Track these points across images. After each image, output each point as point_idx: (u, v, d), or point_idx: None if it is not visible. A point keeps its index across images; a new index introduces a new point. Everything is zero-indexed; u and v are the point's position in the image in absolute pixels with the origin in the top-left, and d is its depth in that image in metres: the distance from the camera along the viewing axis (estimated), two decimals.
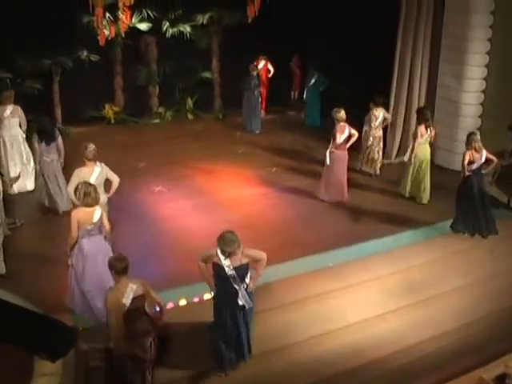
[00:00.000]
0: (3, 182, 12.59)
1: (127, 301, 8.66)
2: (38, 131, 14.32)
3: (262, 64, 21.42)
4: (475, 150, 13.32)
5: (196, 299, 11.29)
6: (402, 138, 17.77)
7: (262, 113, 21.56)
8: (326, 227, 13.87)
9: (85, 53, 20.13)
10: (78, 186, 10.39)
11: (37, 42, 18.73)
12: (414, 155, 15.08)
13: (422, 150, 15.12)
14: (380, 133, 16.91)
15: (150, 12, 20.62)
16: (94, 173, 11.57)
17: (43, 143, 14.10)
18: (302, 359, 10.20)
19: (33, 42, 18.69)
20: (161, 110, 21.75)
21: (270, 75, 21.81)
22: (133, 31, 20.25)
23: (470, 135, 13.57)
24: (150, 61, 21.45)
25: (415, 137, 15.11)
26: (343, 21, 19.01)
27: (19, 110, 15.23)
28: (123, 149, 18.33)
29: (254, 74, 20.70)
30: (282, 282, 11.82)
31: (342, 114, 15.02)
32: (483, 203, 13.66)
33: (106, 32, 18.90)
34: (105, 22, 18.99)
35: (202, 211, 14.62)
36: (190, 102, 21.95)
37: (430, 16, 16.87)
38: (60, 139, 14.36)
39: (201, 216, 14.35)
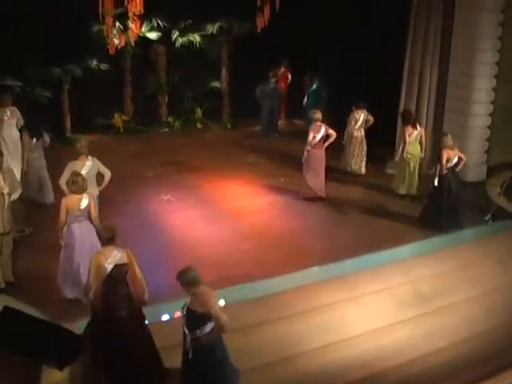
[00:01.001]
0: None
1: (109, 266, 9.29)
2: (28, 128, 14.81)
3: (281, 71, 21.58)
4: (450, 148, 14.01)
5: None
6: None
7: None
8: (334, 237, 13.81)
9: (94, 62, 20.20)
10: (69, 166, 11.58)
11: (47, 50, 18.79)
12: (405, 154, 15.62)
13: (413, 148, 15.63)
14: (361, 134, 17.51)
15: (159, 21, 20.70)
16: (86, 166, 12.24)
17: (33, 140, 14.67)
18: (308, 370, 10.18)
19: (43, 51, 18.74)
20: (170, 119, 21.77)
21: (288, 83, 21.93)
22: (142, 40, 20.32)
23: (444, 136, 14.32)
24: (160, 70, 21.49)
25: (403, 137, 15.77)
26: (352, 30, 19.00)
27: (17, 111, 15.37)
28: (132, 158, 18.35)
29: (273, 81, 20.93)
30: (289, 292, 11.77)
31: (319, 115, 15.69)
32: (451, 200, 14.24)
33: (116, 41, 18.93)
34: (115, 31, 19.02)
35: (210, 221, 14.60)
36: (199, 112, 21.97)
37: (439, 27, 16.87)
38: (46, 135, 15.02)
39: (208, 226, 14.33)
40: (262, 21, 16.75)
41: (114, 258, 9.40)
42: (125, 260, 9.49)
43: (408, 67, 17.32)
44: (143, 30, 20.16)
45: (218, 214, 14.94)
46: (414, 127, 15.66)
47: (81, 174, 11.29)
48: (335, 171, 17.27)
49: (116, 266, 9.40)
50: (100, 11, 16.89)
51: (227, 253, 12.97)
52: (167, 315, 10.96)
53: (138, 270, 9.63)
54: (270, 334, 10.69)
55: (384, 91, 17.83)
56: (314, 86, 21.14)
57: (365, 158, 17.63)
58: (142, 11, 17.30)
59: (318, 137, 15.52)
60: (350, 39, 19.21)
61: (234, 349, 10.35)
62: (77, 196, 10.97)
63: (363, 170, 17.66)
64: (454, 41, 16.85)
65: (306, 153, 15.67)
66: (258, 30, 17.01)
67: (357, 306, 11.60)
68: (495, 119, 17.15)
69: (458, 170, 14.40)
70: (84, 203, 10.98)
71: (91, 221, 11.14)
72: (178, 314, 10.75)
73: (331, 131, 15.56)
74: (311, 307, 11.42)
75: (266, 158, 18.72)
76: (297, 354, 10.48)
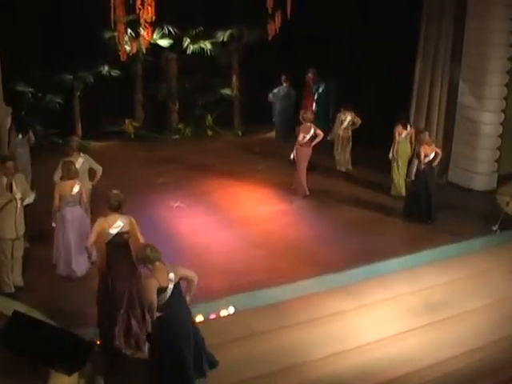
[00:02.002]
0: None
1: (112, 232, 10.05)
2: (15, 125, 15.18)
3: (308, 77, 21.67)
4: (427, 144, 14.96)
5: (213, 316, 11.24)
6: None
7: None
8: (344, 245, 13.77)
9: (106, 68, 20.26)
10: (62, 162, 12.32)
11: (58, 56, 18.86)
12: (394, 153, 16.48)
13: (402, 147, 16.41)
14: (348, 134, 18.39)
15: (171, 28, 20.74)
16: (78, 162, 12.88)
17: (19, 135, 15.16)
18: (316, 379, 10.19)
19: (54, 57, 18.82)
20: (180, 126, 21.79)
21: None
22: (154, 47, 20.35)
23: (422, 133, 15.46)
24: (171, 77, 21.52)
25: (394, 136, 16.46)
26: (363, 38, 19.01)
27: (10, 110, 15.45)
28: (142, 164, 18.38)
29: (285, 85, 21.11)
30: (298, 300, 11.77)
31: (310, 115, 16.74)
32: (428, 192, 14.99)
33: (128, 48, 18.94)
34: (126, 38, 19.05)
35: (220, 228, 14.60)
36: (209, 119, 21.98)
37: (450, 35, 16.84)
38: (31, 133, 15.63)
39: (218, 232, 14.33)
40: (272, 28, 16.71)
41: (117, 225, 10.08)
42: (127, 228, 10.17)
43: (419, 75, 17.29)
44: (155, 37, 20.19)
45: (228, 221, 14.94)
46: (404, 127, 16.38)
47: (73, 162, 12.29)
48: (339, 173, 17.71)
49: (118, 234, 10.10)
50: (112, 18, 16.96)
51: (237, 260, 12.97)
52: None
53: (139, 237, 10.26)
54: (278, 341, 10.68)
55: (394, 99, 17.81)
56: (320, 90, 21.16)
57: (349, 157, 18.49)
58: (154, 18, 17.34)
59: (308, 136, 16.34)
60: (361, 46, 19.21)
61: (242, 356, 10.40)
62: (69, 182, 11.94)
63: (350, 168, 18.51)
64: (464, 49, 16.81)
65: (294, 150, 16.49)
66: (269, 38, 17.01)
67: (365, 314, 11.58)
68: (506, 128, 17.09)
69: (434, 164, 15.15)
70: (76, 189, 11.96)
71: (81, 204, 12.14)
72: None
73: (319, 131, 16.44)
74: (320, 315, 11.41)
75: (276, 164, 18.67)
76: (305, 362, 10.47)
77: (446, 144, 17.39)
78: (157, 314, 9.00)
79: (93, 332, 10.27)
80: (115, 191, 10.42)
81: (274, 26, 16.62)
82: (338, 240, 14.04)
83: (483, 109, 16.80)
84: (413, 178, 15.38)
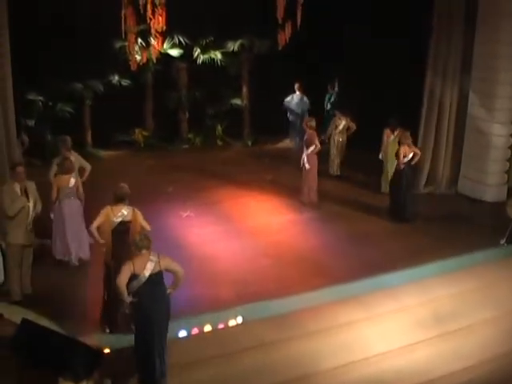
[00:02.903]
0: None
1: (116, 220, 10.83)
2: None
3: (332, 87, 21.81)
4: (407, 145, 15.61)
5: (221, 325, 11.23)
6: (430, 168, 17.64)
7: None
8: (353, 256, 13.74)
9: (116, 77, 20.36)
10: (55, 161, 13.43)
11: (69, 65, 18.95)
12: (381, 154, 17.32)
13: (391, 148, 16.86)
14: (343, 139, 18.96)
15: (181, 38, 20.86)
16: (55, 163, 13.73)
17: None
18: None
19: (65, 66, 18.89)
20: (190, 135, 21.85)
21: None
22: (164, 57, 20.43)
23: (402, 134, 16.11)
24: (181, 87, 21.59)
25: (383, 139, 17.40)
26: (374, 48, 19.07)
27: None
28: (152, 173, 18.43)
29: (298, 93, 21.32)
30: (307, 311, 11.72)
31: (314, 123, 16.83)
32: (409, 191, 15.76)
33: (138, 57, 19.05)
34: (137, 48, 19.16)
35: (229, 237, 14.60)
36: (219, 129, 22.03)
37: (459, 46, 16.84)
38: (24, 136, 16.12)
39: (228, 243, 14.33)
40: (283, 38, 16.77)
41: (121, 214, 10.88)
42: (130, 217, 10.93)
43: (429, 86, 17.26)
44: (165, 46, 20.26)
45: (237, 231, 14.94)
46: (392, 131, 17.14)
47: (68, 158, 13.26)
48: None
49: (122, 222, 10.87)
50: (123, 28, 17.04)
51: (245, 270, 12.97)
52: (184, 331, 10.94)
53: (144, 225, 11.01)
54: (287, 352, 10.66)
55: (404, 110, 17.83)
56: (333, 99, 21.21)
57: (339, 161, 18.94)
58: (164, 28, 17.43)
59: (318, 143, 16.54)
60: (371, 57, 19.29)
61: (251, 366, 10.39)
62: (65, 176, 12.97)
63: (338, 172, 18.94)
64: (474, 60, 16.80)
65: (305, 158, 16.50)
66: (279, 48, 17.05)
67: (374, 325, 11.54)
68: None
69: (413, 163, 15.85)
70: (72, 182, 12.99)
71: (77, 196, 13.16)
72: (195, 331, 10.80)
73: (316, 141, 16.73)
74: (328, 326, 11.38)
75: (286, 175, 18.68)
76: (314, 372, 10.45)
77: (456, 155, 17.39)
78: (129, 299, 9.54)
79: (100, 339, 10.29)
80: (121, 184, 11.22)
81: (284, 36, 16.67)
82: (347, 250, 14.01)
83: (493, 120, 16.78)
84: (393, 177, 16.00)
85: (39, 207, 11.84)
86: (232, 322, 11.27)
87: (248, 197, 17.05)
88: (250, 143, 22.15)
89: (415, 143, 16.78)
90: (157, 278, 9.58)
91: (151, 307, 9.49)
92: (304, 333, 11.17)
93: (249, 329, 11.18)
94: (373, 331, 11.38)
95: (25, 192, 11.38)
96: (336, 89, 21.51)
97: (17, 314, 10.65)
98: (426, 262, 13.51)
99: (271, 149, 21.50)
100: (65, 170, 13.10)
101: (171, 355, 10.09)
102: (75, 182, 13.11)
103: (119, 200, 11.02)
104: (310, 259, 13.57)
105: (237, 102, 22.14)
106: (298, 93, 21.43)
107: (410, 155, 15.57)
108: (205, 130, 22.00)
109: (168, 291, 9.82)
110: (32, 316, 10.60)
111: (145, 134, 21.22)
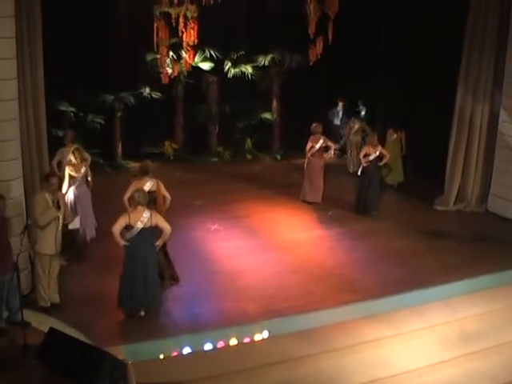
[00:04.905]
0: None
1: (146, 188, 12.37)
2: None
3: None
4: (372, 145, 16.90)
5: (247, 339, 11.21)
6: (460, 185, 17.52)
7: None
8: (381, 272, 13.65)
9: (147, 90, 20.44)
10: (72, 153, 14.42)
11: (101, 77, 19.11)
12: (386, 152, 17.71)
13: (392, 147, 18.41)
14: (357, 139, 20.29)
15: (212, 52, 20.90)
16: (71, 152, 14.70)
17: None
18: None
19: (97, 78, 19.05)
20: (220, 149, 21.88)
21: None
22: (195, 70, 20.53)
23: (368, 135, 17.97)
24: (211, 100, 21.64)
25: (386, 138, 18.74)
26: (405, 64, 19.08)
27: None
28: (181, 186, 18.40)
29: (341, 104, 21.52)
30: (334, 327, 11.69)
31: (319, 128, 17.52)
32: (372, 187, 16.97)
33: (169, 70, 19.18)
34: (168, 61, 19.29)
35: (257, 252, 14.59)
36: (248, 143, 22.05)
37: (491, 63, 16.74)
38: None
39: (255, 257, 14.32)
40: (314, 53, 16.81)
41: (148, 185, 12.60)
42: (155, 188, 12.69)
43: (459, 103, 17.15)
44: (196, 60, 20.37)
45: (265, 246, 14.93)
46: (395, 132, 18.70)
47: (78, 149, 14.51)
48: None
49: (148, 192, 12.20)
50: (155, 41, 17.17)
51: (272, 285, 12.94)
52: (210, 344, 10.94)
53: (166, 194, 12.78)
54: (314, 368, 10.61)
55: (435, 126, 17.82)
56: (362, 114, 21.20)
57: (356, 160, 19.76)
58: (196, 41, 17.55)
59: (317, 146, 17.37)
60: (401, 72, 19.32)
61: (277, 381, 10.35)
62: (77, 165, 14.19)
63: (356, 168, 18.95)
64: (506, 77, 16.69)
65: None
66: (311, 63, 17.08)
67: (401, 343, 11.47)
68: None
69: (381, 164, 17.22)
70: (82, 170, 14.26)
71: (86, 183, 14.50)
72: (221, 344, 10.78)
73: (330, 143, 17.67)
74: (355, 342, 11.33)
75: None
76: None
77: (486, 173, 17.26)
78: (123, 243, 11.35)
79: (126, 350, 10.31)
80: (145, 161, 13.40)
81: (315, 52, 16.71)
82: (375, 267, 13.94)
83: None
84: (359, 174, 17.23)
85: (77, 223, 12.16)
86: (258, 337, 11.25)
87: (276, 211, 17.04)
88: (279, 157, 22.14)
89: (445, 158, 16.79)
90: (147, 231, 11.31)
91: (138, 253, 11.33)
92: (330, 349, 11.13)
93: (275, 343, 11.15)
94: (400, 349, 11.31)
95: (57, 203, 11.46)
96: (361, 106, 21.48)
97: (44, 323, 10.73)
98: (454, 280, 13.42)
99: (300, 163, 21.44)
100: (76, 159, 14.31)
101: (196, 368, 10.13)
102: (85, 170, 14.38)
103: (144, 173, 12.90)
104: (338, 275, 13.50)
105: (267, 116, 22.14)
106: (340, 105, 21.49)
107: (373, 156, 16.84)
108: (234, 144, 22.03)
109: (156, 244, 11.57)
110: (59, 325, 10.66)
111: (174, 146, 21.29)
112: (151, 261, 11.51)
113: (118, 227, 11.24)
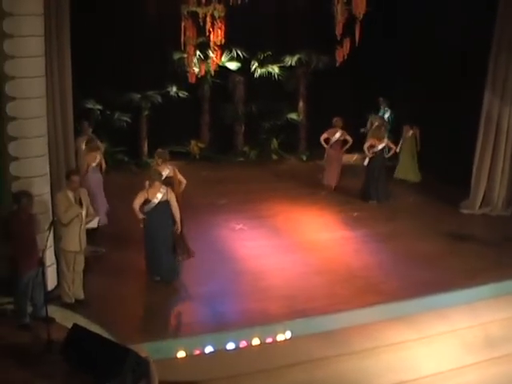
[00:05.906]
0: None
1: (164, 174, 13.25)
2: None
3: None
4: (377, 138, 17.93)
5: (269, 339, 11.20)
6: (486, 189, 17.36)
7: None
8: (406, 275, 13.54)
9: (174, 89, 20.53)
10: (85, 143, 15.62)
11: (128, 76, 19.20)
12: (400, 146, 19.22)
13: (408, 142, 19.37)
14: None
15: (239, 52, 20.94)
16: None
17: None
18: None
19: (124, 76, 19.15)
20: (245, 148, 21.91)
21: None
22: (222, 70, 20.56)
23: (377, 129, 18.74)
24: (238, 100, 21.67)
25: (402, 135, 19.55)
26: (430, 67, 19.01)
27: None
28: (206, 185, 18.50)
29: (384, 105, 21.30)
30: (356, 329, 11.64)
31: (339, 122, 18.41)
32: (380, 177, 17.99)
33: (196, 69, 19.20)
34: (195, 60, 19.32)
35: (282, 252, 14.57)
36: (274, 143, 22.05)
37: None
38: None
39: (279, 257, 14.31)
40: (341, 54, 16.74)
41: (165, 171, 13.43)
42: (172, 174, 13.56)
43: (487, 106, 17.02)
44: (223, 59, 20.40)
45: (289, 246, 14.91)
46: (411, 128, 19.38)
47: (94, 139, 15.80)
48: None
49: (166, 177, 13.24)
50: (182, 40, 17.20)
51: (296, 285, 12.91)
52: (233, 344, 10.95)
53: (182, 179, 13.72)
54: (336, 369, 10.58)
55: (458, 127, 17.77)
56: (387, 115, 21.08)
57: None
58: (223, 41, 17.56)
59: (333, 139, 18.47)
60: (427, 76, 19.27)
61: (298, 382, 10.33)
62: (93, 153, 15.19)
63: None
64: None
65: (326, 151, 18.78)
66: (337, 64, 17.03)
67: (424, 346, 11.40)
68: None
69: (387, 156, 18.52)
70: (97, 159, 15.28)
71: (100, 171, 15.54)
72: (243, 343, 10.80)
73: (348, 137, 18.52)
74: (379, 345, 11.27)
75: (339, 191, 18.64)
76: None
77: None
78: (142, 216, 12.54)
79: (149, 348, 10.33)
80: (160, 149, 14.39)
81: (342, 53, 16.64)
82: (400, 270, 13.85)
83: None
84: (366, 164, 18.14)
85: (95, 222, 12.55)
86: (280, 337, 11.23)
87: (301, 211, 17.02)
88: (304, 158, 22.12)
89: (468, 160, 16.75)
90: (163, 205, 12.48)
91: (156, 224, 12.52)
92: (353, 350, 11.09)
93: (297, 344, 11.14)
94: (423, 352, 11.24)
95: (79, 200, 11.51)
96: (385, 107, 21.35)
97: (68, 319, 10.78)
98: (479, 284, 13.32)
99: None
100: (92, 148, 15.31)
101: (218, 367, 10.15)
102: (100, 158, 15.44)
103: (163, 162, 13.79)
104: (362, 277, 13.44)
105: (293, 116, 22.14)
106: (383, 106, 21.25)
107: (380, 146, 17.84)
108: (260, 144, 22.04)
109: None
110: (83, 322, 10.71)
111: (200, 145, 21.35)
112: (166, 232, 12.68)
113: (137, 202, 12.47)
